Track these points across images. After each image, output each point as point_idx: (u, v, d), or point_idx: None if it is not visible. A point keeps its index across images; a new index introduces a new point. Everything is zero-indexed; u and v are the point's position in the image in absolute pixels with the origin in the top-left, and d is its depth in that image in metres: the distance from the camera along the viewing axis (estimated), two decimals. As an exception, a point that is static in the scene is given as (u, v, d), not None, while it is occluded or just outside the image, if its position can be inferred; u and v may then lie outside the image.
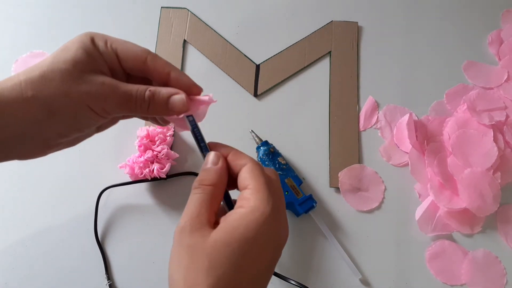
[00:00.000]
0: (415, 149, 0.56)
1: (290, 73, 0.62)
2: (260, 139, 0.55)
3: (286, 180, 0.52)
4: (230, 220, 0.28)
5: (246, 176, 0.29)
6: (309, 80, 0.62)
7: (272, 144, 0.55)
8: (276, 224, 0.28)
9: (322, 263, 0.52)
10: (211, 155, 0.31)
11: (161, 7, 0.65)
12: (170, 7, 0.65)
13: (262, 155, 0.53)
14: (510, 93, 0.60)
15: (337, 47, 0.63)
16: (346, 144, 0.58)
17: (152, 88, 0.32)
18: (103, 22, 0.64)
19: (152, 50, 0.61)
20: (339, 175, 0.56)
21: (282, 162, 0.53)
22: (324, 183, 0.56)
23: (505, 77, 0.61)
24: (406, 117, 0.57)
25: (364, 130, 0.59)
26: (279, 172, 0.52)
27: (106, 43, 0.31)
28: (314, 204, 0.52)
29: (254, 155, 0.56)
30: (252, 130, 0.57)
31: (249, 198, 0.28)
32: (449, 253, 0.52)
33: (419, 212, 0.54)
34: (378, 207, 0.55)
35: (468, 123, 0.57)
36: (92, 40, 0.31)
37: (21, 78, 0.30)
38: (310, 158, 0.57)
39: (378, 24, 0.65)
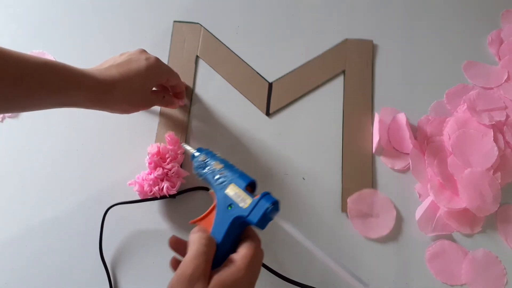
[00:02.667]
0: (415, 148, 0.56)
1: (303, 91, 0.60)
2: (194, 148, 0.46)
3: (227, 190, 0.38)
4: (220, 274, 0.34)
5: (244, 244, 0.36)
6: (322, 99, 0.60)
7: (207, 150, 0.45)
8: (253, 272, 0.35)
9: (323, 274, 0.51)
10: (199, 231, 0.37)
11: (174, 21, 0.64)
12: (183, 22, 0.64)
13: (197, 166, 0.43)
14: (510, 93, 0.60)
15: (351, 65, 0.61)
16: (359, 167, 0.56)
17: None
18: (114, 33, 0.63)
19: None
20: (347, 200, 0.54)
21: (218, 167, 0.41)
22: (336, 208, 0.54)
23: (505, 77, 0.61)
24: (401, 119, 0.57)
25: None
26: (218, 181, 0.40)
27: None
28: (269, 204, 0.36)
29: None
30: (183, 143, 0.52)
31: (236, 259, 0.35)
32: (449, 253, 0.52)
33: (419, 212, 0.54)
34: (388, 235, 0.53)
35: (468, 123, 0.57)
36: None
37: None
38: (323, 181, 0.55)
39: (394, 42, 0.63)
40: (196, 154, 0.44)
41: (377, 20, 0.65)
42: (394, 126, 0.58)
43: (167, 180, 0.51)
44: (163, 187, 0.51)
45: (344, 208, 0.54)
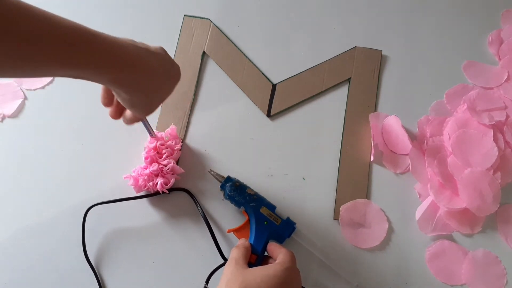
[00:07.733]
0: (414, 148, 0.56)
1: (306, 96, 0.60)
2: (222, 176, 0.52)
3: (261, 210, 0.49)
4: (267, 266, 0.43)
5: (281, 251, 0.45)
6: (325, 105, 0.60)
7: (235, 178, 0.52)
8: (293, 275, 0.43)
9: (318, 278, 0.51)
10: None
11: (184, 15, 0.64)
12: (193, 16, 0.63)
13: (230, 192, 0.50)
14: (510, 93, 0.60)
15: (358, 74, 0.61)
16: (355, 176, 0.55)
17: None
18: (123, 23, 0.63)
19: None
20: (340, 208, 0.54)
21: (251, 193, 0.50)
22: (328, 215, 0.54)
23: (505, 77, 0.61)
24: (393, 121, 0.57)
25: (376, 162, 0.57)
26: (252, 204, 0.50)
27: None
28: (295, 225, 0.50)
29: (217, 193, 0.53)
30: (210, 170, 0.53)
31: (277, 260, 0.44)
32: (449, 253, 0.52)
33: (419, 212, 0.54)
34: (379, 246, 0.53)
35: (468, 123, 0.57)
36: None
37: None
38: (317, 187, 0.55)
39: (398, 48, 0.63)
40: (232, 177, 0.52)
41: (379, 25, 0.64)
42: (387, 129, 0.57)
43: (161, 176, 0.51)
44: (157, 183, 0.51)
45: (336, 216, 0.54)
